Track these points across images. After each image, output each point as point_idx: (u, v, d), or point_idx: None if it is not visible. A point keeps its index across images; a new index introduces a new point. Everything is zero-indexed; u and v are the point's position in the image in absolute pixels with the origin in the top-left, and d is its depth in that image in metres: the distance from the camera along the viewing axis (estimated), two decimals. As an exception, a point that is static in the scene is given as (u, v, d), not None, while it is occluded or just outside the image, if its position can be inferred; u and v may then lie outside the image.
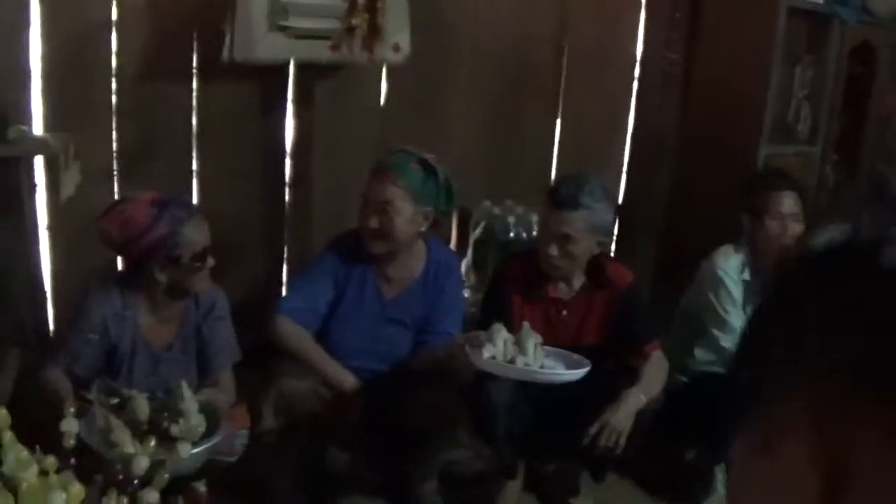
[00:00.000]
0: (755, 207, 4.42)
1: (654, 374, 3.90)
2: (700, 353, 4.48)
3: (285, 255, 5.11)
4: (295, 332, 3.87)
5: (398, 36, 4.48)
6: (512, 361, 3.59)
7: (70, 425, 2.70)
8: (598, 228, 3.92)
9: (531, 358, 3.61)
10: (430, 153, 3.95)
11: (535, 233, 5.02)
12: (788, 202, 4.39)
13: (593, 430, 3.74)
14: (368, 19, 4.35)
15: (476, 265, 5.10)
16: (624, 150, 5.86)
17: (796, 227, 4.41)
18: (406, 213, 3.82)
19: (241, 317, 4.12)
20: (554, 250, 3.87)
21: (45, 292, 4.52)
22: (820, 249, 0.98)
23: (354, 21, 4.33)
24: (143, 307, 3.69)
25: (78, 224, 4.46)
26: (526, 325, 3.71)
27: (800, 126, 5.68)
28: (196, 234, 3.58)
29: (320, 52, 4.39)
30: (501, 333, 3.62)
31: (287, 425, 3.72)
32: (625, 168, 5.87)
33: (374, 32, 4.38)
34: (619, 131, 5.82)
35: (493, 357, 3.58)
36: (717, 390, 4.21)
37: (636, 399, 3.79)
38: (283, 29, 4.26)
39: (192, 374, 3.74)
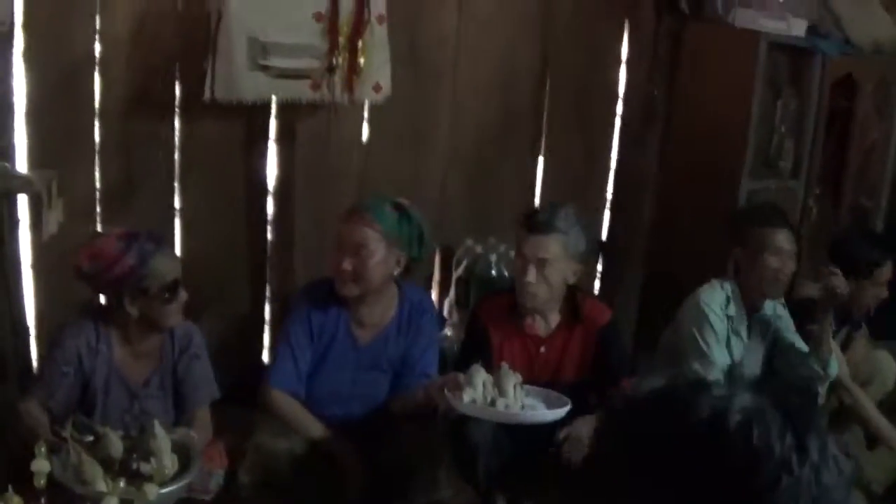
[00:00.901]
0: (752, 243, 4.45)
1: None
2: (681, 388, 4.49)
3: (267, 293, 5.12)
4: (288, 404, 3.93)
5: (379, 76, 4.50)
6: (492, 403, 3.62)
7: (40, 465, 2.73)
8: (573, 254, 3.97)
9: (511, 399, 3.64)
10: (405, 198, 3.99)
11: (515, 269, 5.08)
12: (787, 239, 4.44)
13: (561, 435, 3.81)
14: (349, 59, 4.38)
15: (459, 303, 5.12)
16: (607, 185, 5.87)
17: (791, 265, 4.47)
18: (379, 256, 3.84)
19: (222, 354, 4.15)
20: (532, 276, 3.91)
21: (27, 329, 4.54)
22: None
23: (335, 61, 4.36)
24: (118, 342, 3.73)
25: (61, 261, 4.47)
26: (505, 365, 3.74)
27: (782, 160, 5.71)
28: (164, 266, 3.63)
29: (301, 91, 4.41)
30: (480, 375, 3.64)
31: (262, 482, 3.75)
32: (608, 203, 5.88)
33: (354, 72, 4.40)
34: (601, 166, 5.84)
35: (474, 400, 3.61)
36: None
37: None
38: (264, 68, 4.28)
39: (169, 411, 3.79)
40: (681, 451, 1.03)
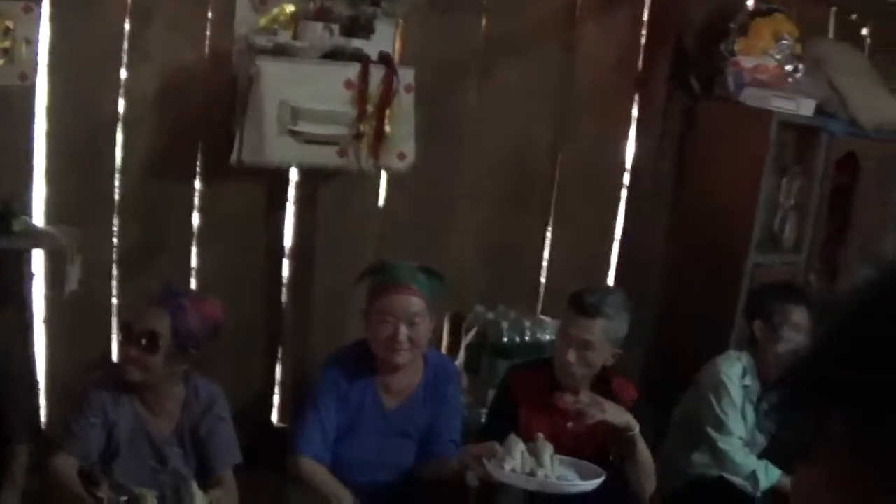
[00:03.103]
0: (771, 317, 4.62)
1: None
2: (697, 457, 4.66)
3: (279, 355, 5.22)
4: (315, 470, 4.00)
5: (404, 145, 4.61)
6: (532, 473, 3.71)
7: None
8: (615, 339, 4.09)
9: (549, 469, 3.74)
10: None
11: (527, 337, 5.19)
12: (805, 316, 4.62)
13: (585, 399, 3.99)
14: (376, 127, 4.50)
15: (468, 369, 5.21)
16: (612, 257, 6.02)
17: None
18: (427, 322, 4.01)
19: (232, 414, 4.19)
20: (572, 357, 4.00)
21: (37, 385, 4.59)
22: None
23: (362, 128, 4.48)
24: (137, 396, 3.79)
25: (74, 317, 4.57)
26: (540, 436, 3.83)
27: (785, 235, 5.87)
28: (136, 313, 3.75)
29: (328, 157, 4.52)
30: (518, 445, 3.73)
31: None
32: (612, 276, 6.02)
33: (380, 140, 4.52)
34: (608, 240, 5.98)
35: (513, 469, 3.70)
36: (710, 492, 4.43)
37: (632, 423, 3.95)
38: (294, 133, 4.39)
39: (192, 469, 3.83)
40: None
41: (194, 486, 3.35)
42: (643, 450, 3.99)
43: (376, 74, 4.50)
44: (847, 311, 1.02)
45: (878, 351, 0.94)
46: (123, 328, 3.73)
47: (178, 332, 3.72)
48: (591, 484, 3.77)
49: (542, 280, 5.79)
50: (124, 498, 3.34)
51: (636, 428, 3.95)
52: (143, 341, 3.68)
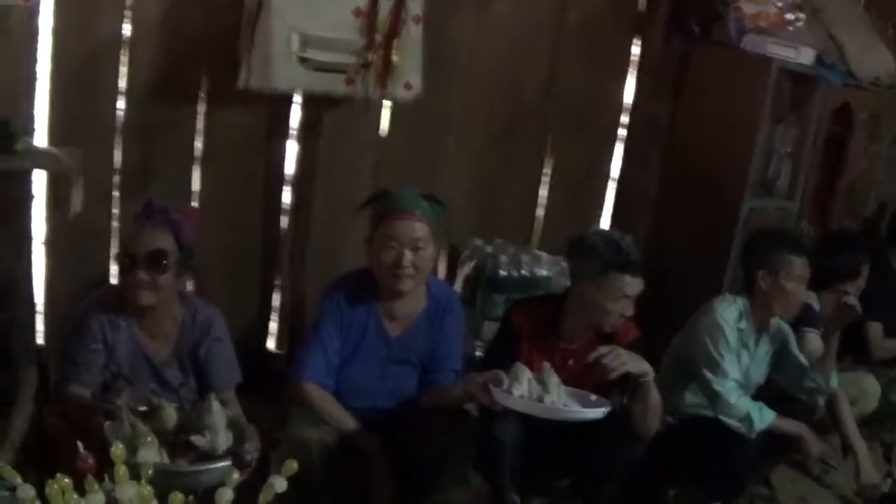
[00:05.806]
0: (773, 266, 4.82)
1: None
2: (690, 396, 4.85)
3: (277, 282, 5.38)
4: (319, 396, 4.13)
5: (411, 75, 4.77)
6: (539, 400, 3.86)
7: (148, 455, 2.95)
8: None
9: (556, 396, 3.92)
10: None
11: (524, 272, 5.39)
12: (806, 267, 4.84)
13: (604, 349, 4.08)
14: (383, 56, 4.65)
15: (464, 301, 5.35)
16: (605, 196, 6.21)
17: (804, 291, 4.89)
18: (431, 248, 4.13)
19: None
20: (628, 310, 4.28)
21: (34, 306, 4.68)
22: None
23: (370, 57, 4.63)
24: (134, 318, 3.87)
25: (74, 240, 4.71)
26: (546, 365, 3.97)
27: (779, 181, 6.07)
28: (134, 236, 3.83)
29: (335, 85, 4.65)
30: (525, 372, 3.88)
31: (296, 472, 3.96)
32: (606, 216, 6.22)
33: (388, 70, 4.68)
34: (601, 178, 6.16)
35: (521, 395, 3.84)
36: (704, 432, 4.64)
37: (648, 370, 4.13)
38: (302, 60, 4.52)
39: (193, 391, 3.96)
40: None
41: (213, 399, 3.46)
42: (655, 393, 4.18)
43: (385, 4, 4.63)
44: None
45: None
46: (126, 255, 3.78)
47: (183, 246, 3.83)
48: (599, 412, 3.92)
49: (538, 214, 5.98)
50: (143, 407, 3.47)
51: (651, 374, 4.14)
52: (152, 262, 3.75)
